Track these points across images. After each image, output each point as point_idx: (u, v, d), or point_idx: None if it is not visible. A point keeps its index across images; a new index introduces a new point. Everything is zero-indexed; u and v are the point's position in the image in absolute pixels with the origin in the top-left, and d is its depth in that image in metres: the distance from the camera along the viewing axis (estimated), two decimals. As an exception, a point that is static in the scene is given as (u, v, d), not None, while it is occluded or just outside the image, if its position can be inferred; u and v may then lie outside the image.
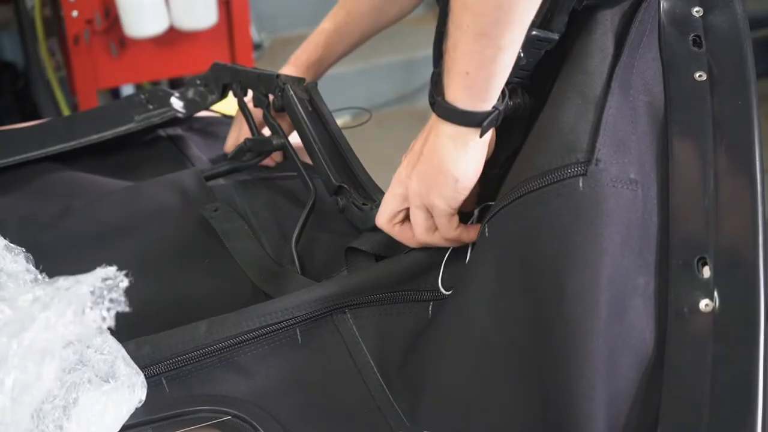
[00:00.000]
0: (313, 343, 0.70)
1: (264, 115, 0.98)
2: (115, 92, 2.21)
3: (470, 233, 0.69)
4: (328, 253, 0.83)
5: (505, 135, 0.69)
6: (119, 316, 0.53)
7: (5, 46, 2.32)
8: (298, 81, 0.94)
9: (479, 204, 0.73)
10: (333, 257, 0.81)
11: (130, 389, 0.61)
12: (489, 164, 0.70)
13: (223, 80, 1.07)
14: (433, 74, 0.67)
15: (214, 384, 0.67)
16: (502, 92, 0.64)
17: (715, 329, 0.54)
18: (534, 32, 0.62)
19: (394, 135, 2.94)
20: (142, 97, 1.10)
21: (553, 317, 0.56)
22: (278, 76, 0.94)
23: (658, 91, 0.64)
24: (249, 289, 0.80)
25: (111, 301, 0.53)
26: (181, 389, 0.67)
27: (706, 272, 0.56)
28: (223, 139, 1.12)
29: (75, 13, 1.90)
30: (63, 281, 0.53)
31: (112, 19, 1.93)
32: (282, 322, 0.69)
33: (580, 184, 0.58)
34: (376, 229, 0.78)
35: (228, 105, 1.14)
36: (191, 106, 1.10)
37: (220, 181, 0.98)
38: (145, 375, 0.64)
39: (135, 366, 0.63)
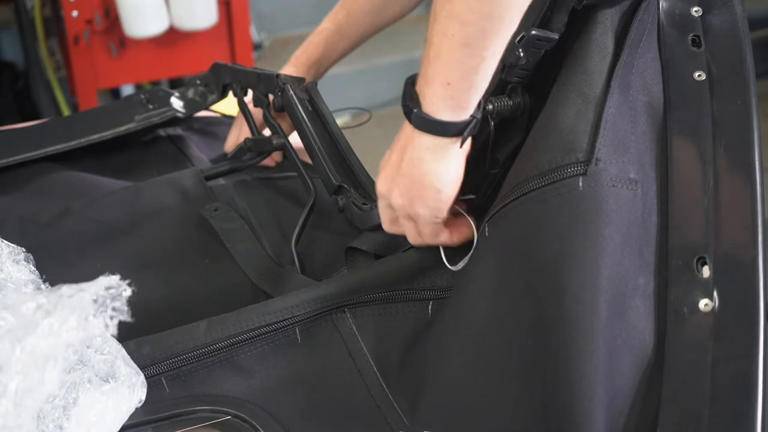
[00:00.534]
0: (312, 342, 0.70)
1: (264, 115, 0.98)
2: (115, 92, 2.21)
3: (454, 237, 0.69)
4: (328, 253, 0.83)
5: (505, 135, 0.69)
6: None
7: (5, 46, 2.32)
8: (298, 81, 0.94)
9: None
10: (333, 257, 0.81)
11: (130, 389, 0.61)
12: (489, 164, 0.70)
13: (223, 80, 1.07)
14: (406, 83, 0.65)
15: (214, 384, 0.67)
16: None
17: (715, 329, 0.54)
18: (534, 32, 0.62)
19: (394, 135, 2.95)
20: (142, 97, 1.10)
21: (553, 317, 0.56)
22: (278, 76, 0.94)
23: (657, 90, 0.64)
24: (249, 289, 0.80)
25: (114, 309, 0.53)
26: (181, 389, 0.67)
27: (706, 272, 0.56)
28: (223, 139, 1.12)
29: (75, 13, 1.90)
30: (66, 289, 0.54)
31: (112, 19, 1.93)
32: (281, 321, 0.69)
33: (580, 184, 0.58)
34: (376, 229, 0.78)
35: (228, 105, 1.14)
36: (191, 105, 1.10)
37: (220, 181, 0.98)
38: (145, 375, 0.64)
39: (135, 366, 0.63)
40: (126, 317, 0.53)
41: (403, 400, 0.65)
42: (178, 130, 1.13)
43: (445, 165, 0.64)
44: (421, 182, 0.64)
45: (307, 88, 0.93)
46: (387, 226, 0.72)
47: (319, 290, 0.71)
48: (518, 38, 0.62)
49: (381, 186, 0.68)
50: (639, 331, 0.56)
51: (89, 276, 0.56)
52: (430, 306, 0.70)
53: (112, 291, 0.53)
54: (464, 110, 0.61)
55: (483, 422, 0.60)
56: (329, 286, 0.71)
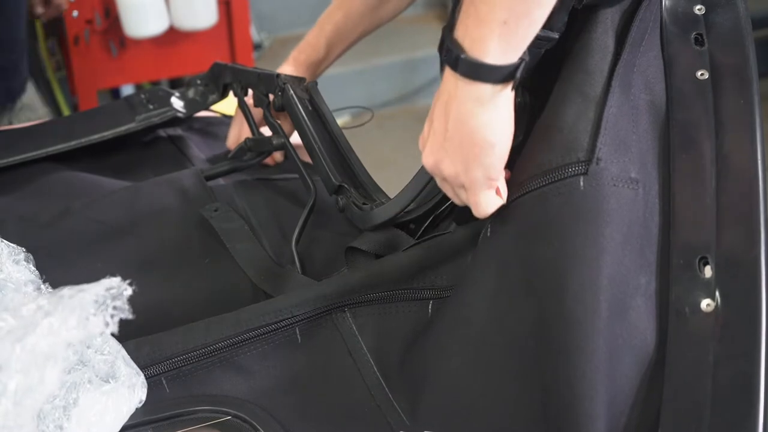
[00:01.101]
0: (312, 342, 0.69)
1: (264, 115, 0.98)
2: (115, 92, 2.21)
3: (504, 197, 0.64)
4: (329, 253, 0.83)
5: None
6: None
7: (5, 46, 2.31)
8: (298, 80, 0.94)
9: None
10: (333, 257, 0.81)
11: (130, 389, 0.61)
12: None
13: (223, 80, 1.07)
14: (444, 31, 0.60)
15: (214, 384, 0.67)
16: None
17: (717, 329, 0.54)
18: (534, 31, 0.62)
19: (394, 135, 2.95)
20: (142, 97, 1.10)
21: (554, 317, 0.56)
22: (278, 75, 0.94)
23: (659, 89, 0.64)
24: (249, 289, 0.80)
25: (114, 308, 0.53)
26: (181, 389, 0.66)
27: (708, 272, 0.56)
28: (223, 139, 1.12)
29: (75, 13, 1.90)
30: (67, 290, 0.54)
31: (112, 19, 1.93)
32: (281, 321, 0.69)
33: (581, 184, 0.58)
34: (376, 229, 0.78)
35: (228, 105, 1.14)
36: (191, 105, 1.11)
37: (220, 181, 0.98)
38: (145, 375, 0.64)
39: (135, 366, 0.63)
40: (127, 315, 0.53)
41: (403, 399, 0.65)
42: (178, 131, 1.13)
43: (496, 115, 0.59)
44: (471, 140, 0.60)
45: (308, 88, 0.93)
46: (455, 200, 0.67)
47: (319, 290, 0.71)
48: None
49: (427, 162, 0.64)
50: (640, 331, 0.56)
51: (89, 276, 0.56)
52: (430, 305, 0.70)
53: (112, 291, 0.53)
54: (517, 51, 0.58)
55: (483, 422, 0.60)
56: (329, 286, 0.71)
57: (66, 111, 2.11)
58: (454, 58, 0.58)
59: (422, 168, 0.73)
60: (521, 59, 0.58)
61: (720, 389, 0.52)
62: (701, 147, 0.61)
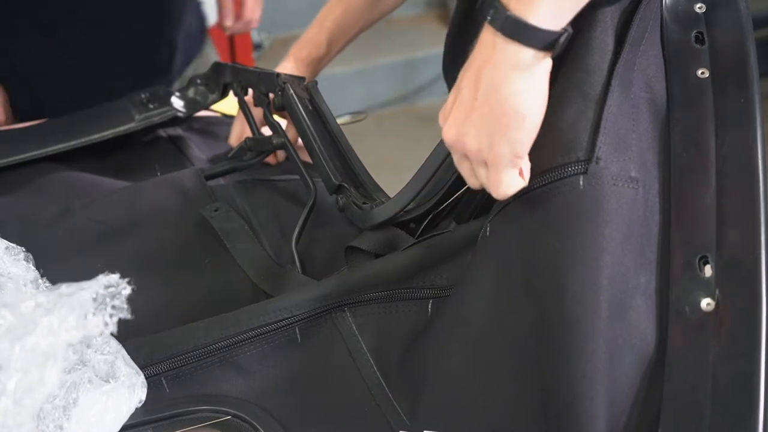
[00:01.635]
0: (312, 341, 0.69)
1: (264, 115, 0.98)
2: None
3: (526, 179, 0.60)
4: (329, 253, 0.83)
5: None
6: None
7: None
8: (298, 80, 0.94)
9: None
10: (333, 257, 0.81)
11: (130, 389, 0.61)
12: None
13: (223, 79, 1.07)
14: None
15: (213, 384, 0.67)
16: None
17: (717, 329, 0.54)
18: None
19: (394, 135, 2.95)
20: (143, 96, 1.10)
21: (554, 317, 0.56)
22: (278, 75, 0.94)
23: (660, 88, 0.64)
24: (249, 289, 0.80)
25: (113, 307, 0.53)
26: (181, 389, 0.66)
27: (708, 271, 0.56)
28: (223, 139, 1.12)
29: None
30: (65, 288, 0.54)
31: (112, 19, 1.92)
32: (281, 321, 0.69)
33: (581, 183, 0.58)
34: (376, 228, 0.78)
35: (228, 104, 1.14)
36: (192, 105, 1.11)
37: (221, 181, 0.98)
38: (144, 375, 0.64)
39: (135, 366, 0.63)
40: (126, 315, 0.53)
41: (403, 399, 0.65)
42: (178, 131, 1.13)
43: (532, 84, 0.56)
44: (502, 110, 0.56)
45: (308, 88, 0.93)
46: (471, 181, 0.63)
47: (319, 289, 0.71)
48: None
49: (449, 134, 0.60)
50: (640, 331, 0.56)
51: (89, 276, 0.56)
52: (430, 305, 0.70)
53: (111, 289, 0.53)
54: (565, 17, 0.56)
55: (483, 421, 0.60)
56: (329, 286, 0.71)
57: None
58: (499, 15, 0.55)
59: (422, 167, 0.73)
60: (565, 29, 0.56)
61: (720, 389, 0.52)
62: (702, 146, 0.61)
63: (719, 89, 0.63)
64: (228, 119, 1.16)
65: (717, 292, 0.55)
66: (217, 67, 1.09)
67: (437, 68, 0.99)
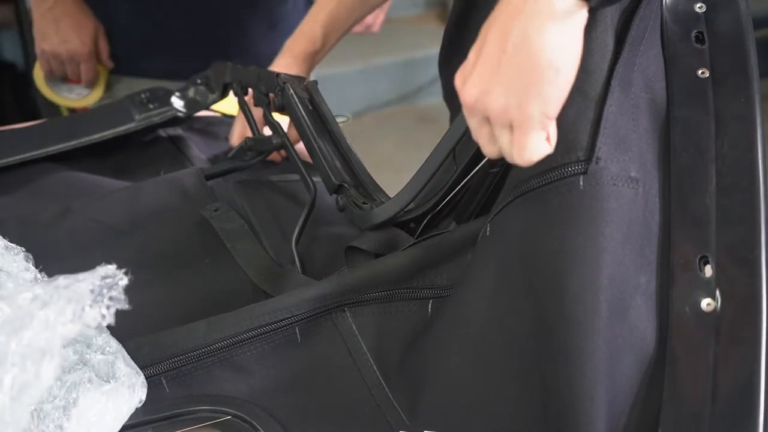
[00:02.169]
0: (312, 341, 0.69)
1: (264, 115, 0.98)
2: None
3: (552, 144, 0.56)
4: (329, 253, 0.83)
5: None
6: (119, 317, 0.53)
7: (5, 46, 2.32)
8: (298, 80, 0.95)
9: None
10: (333, 257, 0.81)
11: (130, 389, 0.61)
12: (489, 163, 0.70)
13: (223, 79, 1.07)
14: None
15: (213, 384, 0.67)
16: None
17: (717, 329, 0.54)
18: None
19: (394, 135, 2.96)
20: (143, 96, 1.10)
21: (554, 317, 0.56)
22: (278, 75, 0.94)
23: (660, 88, 0.64)
24: (249, 289, 0.80)
25: (111, 299, 0.53)
26: (181, 389, 0.66)
27: (708, 271, 0.56)
28: (223, 139, 1.12)
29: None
30: (62, 280, 0.53)
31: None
32: (281, 321, 0.69)
33: (581, 183, 0.58)
34: (376, 228, 0.78)
35: (228, 104, 1.14)
36: (192, 105, 1.11)
37: (221, 181, 0.98)
38: (144, 375, 0.64)
39: (135, 366, 0.63)
40: (123, 306, 0.53)
41: (403, 399, 0.65)
42: (178, 131, 1.13)
43: (567, 36, 0.53)
44: (534, 63, 0.53)
45: (308, 87, 0.93)
46: (489, 149, 0.58)
47: (319, 289, 0.71)
48: None
49: (470, 94, 0.56)
50: (640, 331, 0.56)
51: (89, 275, 0.56)
52: (429, 305, 0.70)
53: (108, 280, 0.53)
54: None
55: (483, 421, 0.60)
56: (329, 286, 0.71)
57: (66, 111, 2.11)
58: None
59: (422, 167, 0.73)
60: None
61: (720, 389, 0.52)
62: (702, 146, 0.61)
63: (719, 89, 0.63)
64: (228, 119, 1.16)
65: (717, 292, 0.55)
66: (216, 66, 1.09)
67: (437, 68, 0.99)
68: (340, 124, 0.90)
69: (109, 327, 0.54)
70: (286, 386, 0.67)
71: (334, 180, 0.84)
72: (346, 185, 0.83)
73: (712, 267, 0.56)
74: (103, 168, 1.04)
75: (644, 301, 0.57)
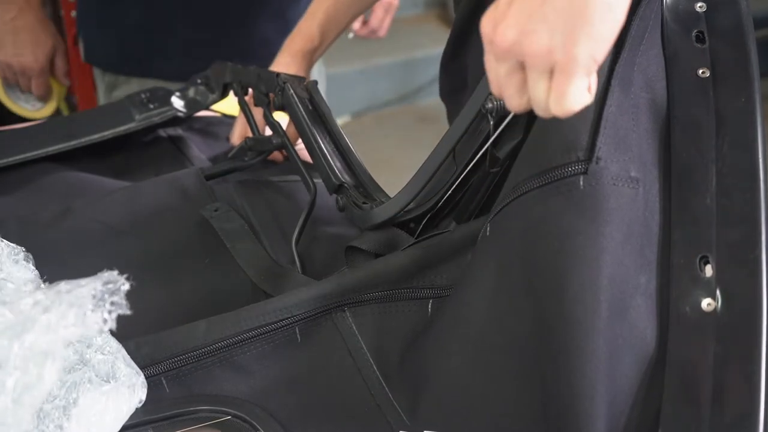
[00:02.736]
0: (312, 341, 0.69)
1: (264, 114, 0.98)
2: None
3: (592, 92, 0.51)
4: (329, 253, 0.83)
5: (505, 133, 0.69)
6: (120, 317, 0.53)
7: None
8: (298, 80, 0.95)
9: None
10: (333, 257, 0.81)
11: (130, 389, 0.61)
12: (489, 163, 0.70)
13: (223, 79, 1.07)
14: None
15: (213, 384, 0.67)
16: None
17: (717, 329, 0.54)
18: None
19: (394, 135, 2.96)
20: (143, 96, 1.10)
21: (554, 317, 0.56)
22: (278, 75, 0.94)
23: (660, 87, 0.64)
24: (249, 289, 0.80)
25: (112, 304, 0.53)
26: (181, 389, 0.66)
27: (708, 271, 0.56)
28: (223, 139, 1.12)
29: (74, 13, 1.90)
30: (64, 285, 0.54)
31: (112, 19, 1.92)
32: (281, 321, 0.69)
33: (581, 183, 0.58)
34: (376, 228, 0.77)
35: (228, 104, 1.14)
36: (192, 105, 1.11)
37: (221, 180, 0.98)
38: (145, 375, 0.64)
39: (135, 366, 0.63)
40: (125, 311, 0.53)
41: (403, 399, 0.65)
42: (178, 131, 1.13)
43: None
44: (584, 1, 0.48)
45: (308, 87, 0.94)
46: (515, 101, 0.53)
47: (319, 289, 0.71)
48: None
49: (507, 36, 0.50)
50: (640, 331, 0.56)
51: (89, 276, 0.56)
52: (429, 305, 0.70)
53: (110, 286, 0.53)
54: None
55: (483, 421, 0.60)
56: (329, 285, 0.71)
57: (66, 111, 2.11)
58: None
59: (422, 167, 0.73)
60: None
61: (720, 389, 0.52)
62: (702, 145, 0.60)
63: (720, 89, 0.63)
64: (228, 119, 1.16)
65: (717, 292, 0.55)
66: (216, 66, 1.09)
67: (437, 68, 0.99)
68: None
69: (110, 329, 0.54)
70: (286, 386, 0.67)
71: (334, 180, 0.84)
72: (346, 185, 0.83)
73: (712, 267, 0.56)
74: (103, 168, 1.04)
75: (644, 301, 0.57)
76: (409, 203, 0.74)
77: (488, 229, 0.65)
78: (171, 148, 1.11)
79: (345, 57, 2.56)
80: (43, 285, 0.69)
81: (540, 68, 0.50)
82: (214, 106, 1.13)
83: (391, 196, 0.79)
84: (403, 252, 0.72)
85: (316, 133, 0.88)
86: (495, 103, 0.66)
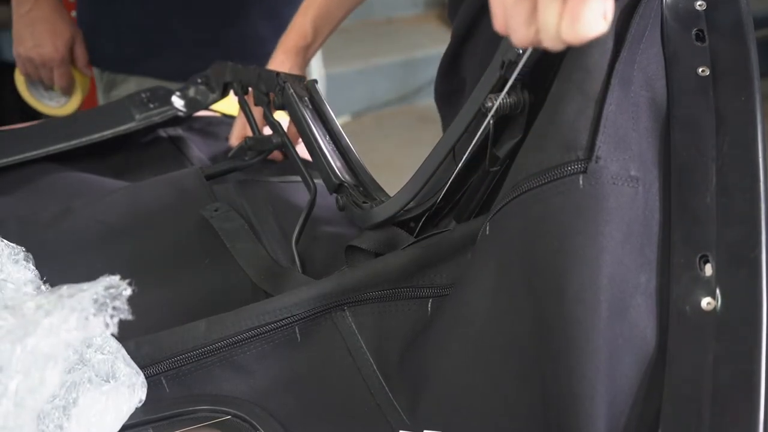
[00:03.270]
0: (312, 341, 0.69)
1: (264, 114, 0.98)
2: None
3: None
4: (329, 252, 0.83)
5: (505, 133, 0.69)
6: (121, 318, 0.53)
7: (5, 46, 2.32)
8: (298, 79, 0.95)
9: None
10: (333, 256, 0.81)
11: (130, 389, 0.61)
12: (489, 162, 0.69)
13: (223, 78, 1.07)
14: None
15: (213, 383, 0.67)
16: None
17: (717, 328, 0.54)
18: (534, 29, 0.62)
19: (394, 135, 2.96)
20: (143, 96, 1.10)
21: (554, 316, 0.56)
22: (278, 74, 0.94)
23: (660, 86, 0.64)
24: (249, 288, 0.80)
25: (114, 308, 0.53)
26: (181, 389, 0.66)
27: (708, 270, 0.56)
28: (223, 139, 1.12)
29: (74, 13, 1.90)
30: (66, 289, 0.54)
31: (112, 19, 1.92)
32: (281, 320, 0.69)
33: (580, 182, 0.58)
34: (376, 227, 0.77)
35: (228, 104, 1.14)
36: (192, 104, 1.11)
37: (221, 180, 0.98)
38: (144, 375, 0.64)
39: (135, 366, 0.63)
40: (127, 315, 0.53)
41: (403, 398, 0.65)
42: (178, 131, 1.13)
43: None
44: None
45: (308, 86, 0.94)
46: (521, 33, 0.51)
47: (318, 289, 0.71)
48: None
49: None
50: (640, 330, 0.56)
51: (90, 276, 0.56)
52: (429, 304, 0.70)
53: (112, 290, 0.53)
54: None
55: (483, 421, 0.60)
56: (328, 285, 0.71)
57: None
58: None
59: (422, 167, 0.73)
60: None
61: (721, 389, 0.52)
62: (702, 144, 0.60)
63: (720, 88, 0.62)
64: (228, 119, 1.16)
65: (717, 291, 0.55)
66: (217, 66, 1.09)
67: (437, 68, 0.99)
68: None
69: (110, 331, 0.54)
70: (286, 386, 0.67)
71: (334, 179, 0.84)
72: (346, 184, 0.83)
73: (712, 266, 0.56)
74: (103, 168, 1.05)
75: (644, 301, 0.56)
76: (408, 202, 0.74)
77: (488, 228, 0.65)
78: (171, 148, 1.11)
79: (345, 57, 2.56)
80: (43, 285, 0.69)
81: None
82: (214, 106, 1.14)
83: (391, 195, 0.79)
84: (403, 251, 0.72)
85: (316, 132, 0.88)
86: (494, 101, 0.66)
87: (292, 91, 0.91)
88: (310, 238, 0.85)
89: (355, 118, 2.81)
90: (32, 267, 0.72)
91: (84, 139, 1.04)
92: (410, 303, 0.70)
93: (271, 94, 0.96)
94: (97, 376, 0.60)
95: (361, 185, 0.84)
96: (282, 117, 0.97)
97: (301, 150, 0.93)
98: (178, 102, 1.10)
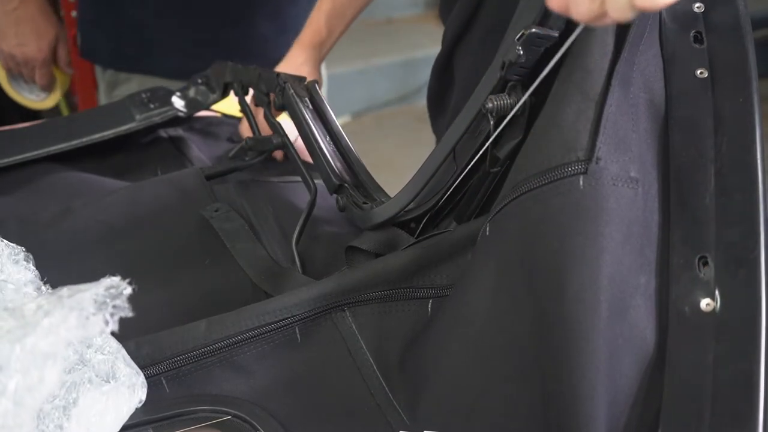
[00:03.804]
0: (312, 341, 0.70)
1: (264, 114, 0.98)
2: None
3: None
4: (329, 253, 0.83)
5: (505, 133, 0.69)
6: (120, 317, 0.53)
7: None
8: (298, 80, 0.95)
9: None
10: (333, 256, 0.81)
11: (130, 389, 0.61)
12: (489, 162, 0.70)
13: (224, 79, 1.07)
14: None
15: (213, 384, 0.67)
16: None
17: (716, 329, 0.54)
18: (533, 29, 0.62)
19: (394, 135, 2.96)
20: (143, 96, 1.11)
21: (554, 317, 0.56)
22: (278, 75, 0.94)
23: (659, 88, 0.64)
24: (249, 289, 0.80)
25: (114, 307, 0.53)
26: (181, 389, 0.66)
27: (708, 271, 0.56)
28: (223, 139, 1.13)
29: (75, 13, 1.90)
30: (66, 290, 0.54)
31: (112, 19, 1.92)
32: (281, 320, 0.69)
33: (581, 183, 0.58)
34: (376, 228, 0.78)
35: (228, 104, 1.14)
36: (192, 105, 1.11)
37: (221, 180, 0.98)
38: (145, 375, 0.64)
39: (135, 366, 0.63)
40: (127, 314, 0.53)
41: (403, 398, 0.65)
42: (178, 131, 1.13)
43: None
44: None
45: (308, 87, 0.94)
46: (586, 6, 0.50)
47: (319, 289, 0.71)
48: (518, 36, 0.62)
49: None
50: (640, 331, 0.56)
51: (90, 276, 0.56)
52: (429, 304, 0.70)
53: (112, 290, 0.53)
54: None
55: (483, 421, 0.60)
56: (328, 285, 0.71)
57: (66, 111, 2.11)
58: None
59: (422, 167, 0.73)
60: None
61: (720, 389, 0.52)
62: (701, 146, 0.60)
63: (718, 89, 0.63)
64: (228, 119, 1.17)
65: (717, 292, 0.55)
66: (217, 66, 1.09)
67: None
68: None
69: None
70: (286, 386, 0.67)
71: (334, 180, 0.84)
72: (346, 185, 0.83)
73: (711, 267, 0.56)
74: (103, 168, 1.05)
75: (644, 301, 0.57)
76: (409, 203, 0.75)
77: (488, 228, 0.65)
78: (171, 148, 1.11)
79: (345, 57, 2.56)
80: (43, 286, 0.69)
81: None
82: (215, 106, 1.14)
83: (391, 196, 0.79)
84: (403, 252, 0.72)
85: (316, 132, 0.88)
86: (495, 102, 0.66)
87: (292, 91, 0.91)
88: (311, 239, 0.85)
89: (355, 118, 2.82)
90: (32, 267, 0.72)
91: (84, 139, 1.04)
92: (410, 303, 0.70)
93: (272, 95, 0.96)
94: (97, 376, 0.60)
95: (361, 186, 0.84)
96: (284, 119, 0.97)
97: (301, 150, 0.94)
98: (178, 102, 1.10)
